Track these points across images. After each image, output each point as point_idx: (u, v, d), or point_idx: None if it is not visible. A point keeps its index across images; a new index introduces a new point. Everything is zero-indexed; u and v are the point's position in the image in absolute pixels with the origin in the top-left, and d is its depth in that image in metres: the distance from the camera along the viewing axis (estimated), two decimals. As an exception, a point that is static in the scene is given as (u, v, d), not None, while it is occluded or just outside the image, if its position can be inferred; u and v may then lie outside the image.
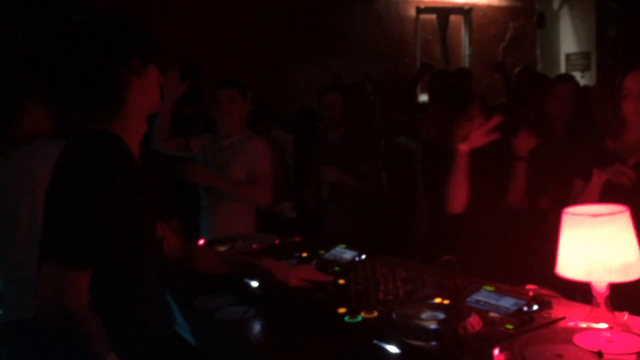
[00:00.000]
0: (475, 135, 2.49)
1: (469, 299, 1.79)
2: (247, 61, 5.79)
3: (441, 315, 1.64)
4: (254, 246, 2.49)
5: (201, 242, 2.61)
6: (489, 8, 7.51)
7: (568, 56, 7.66)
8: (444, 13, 7.26)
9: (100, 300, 1.36)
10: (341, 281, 2.00)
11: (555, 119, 3.28)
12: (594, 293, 1.68)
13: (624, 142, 2.29)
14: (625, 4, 6.82)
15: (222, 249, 2.48)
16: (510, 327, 1.58)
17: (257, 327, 1.88)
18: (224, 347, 1.96)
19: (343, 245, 2.32)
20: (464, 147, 2.49)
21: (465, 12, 7.38)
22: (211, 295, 2.12)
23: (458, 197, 2.54)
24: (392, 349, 1.55)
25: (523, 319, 1.62)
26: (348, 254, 2.24)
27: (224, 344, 1.96)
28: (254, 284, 2.08)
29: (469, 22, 7.41)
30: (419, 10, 7.04)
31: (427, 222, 3.66)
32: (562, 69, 7.62)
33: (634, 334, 1.50)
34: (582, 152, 2.42)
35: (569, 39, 7.69)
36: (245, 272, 2.06)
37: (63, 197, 1.37)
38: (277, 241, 2.56)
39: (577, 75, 6.31)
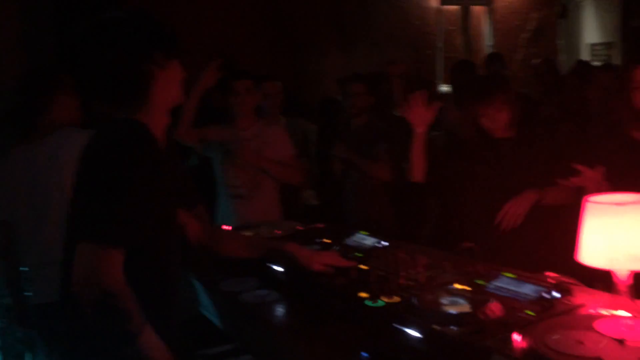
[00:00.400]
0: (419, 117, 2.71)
1: (489, 285, 1.80)
2: (269, 52, 5.82)
3: (462, 301, 1.66)
4: (278, 232, 2.53)
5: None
6: (512, -2, 7.44)
7: (591, 46, 7.55)
8: (466, 4, 7.20)
9: (131, 279, 1.40)
10: (363, 267, 2.03)
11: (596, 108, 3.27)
12: (615, 281, 1.68)
13: None
14: (651, -6, 6.70)
15: (246, 234, 2.52)
16: (530, 313, 1.59)
17: (280, 310, 1.92)
18: (248, 329, 2.01)
19: (364, 232, 2.35)
20: (420, 129, 2.73)
21: (488, 2, 7.31)
22: (236, 278, 2.16)
23: (417, 169, 2.80)
24: (413, 333, 1.57)
25: (544, 306, 1.63)
26: (369, 241, 2.27)
27: (248, 326, 2.01)
28: (278, 268, 2.12)
29: (491, 12, 7.34)
30: (442, 1, 7.00)
31: (435, 211, 3.63)
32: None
33: (656, 322, 1.51)
34: (606, 144, 2.41)
35: (592, 29, 7.58)
36: (270, 256, 2.10)
37: (96, 180, 1.43)
38: (299, 228, 2.60)
39: (601, 66, 6.23)
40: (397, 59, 5.87)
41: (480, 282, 1.83)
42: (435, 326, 1.55)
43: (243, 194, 3.17)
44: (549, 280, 1.80)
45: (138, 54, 1.50)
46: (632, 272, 1.65)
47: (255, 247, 2.08)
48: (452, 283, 1.83)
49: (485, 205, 2.64)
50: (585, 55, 7.55)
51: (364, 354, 1.59)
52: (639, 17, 6.89)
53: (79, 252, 1.37)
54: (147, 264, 1.51)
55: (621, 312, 1.59)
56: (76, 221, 1.46)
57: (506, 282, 1.80)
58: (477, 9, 7.33)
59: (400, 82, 4.40)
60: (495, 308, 1.61)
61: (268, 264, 2.15)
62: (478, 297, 1.67)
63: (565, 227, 2.11)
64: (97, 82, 1.53)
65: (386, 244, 2.23)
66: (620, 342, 1.38)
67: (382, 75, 4.56)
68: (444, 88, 6.71)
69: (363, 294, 1.80)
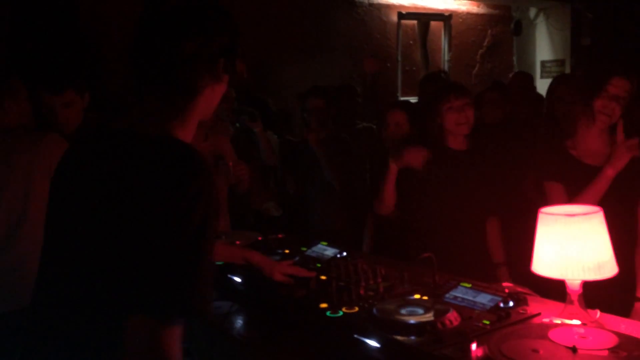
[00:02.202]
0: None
1: (447, 295, 1.83)
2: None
3: (420, 311, 1.68)
4: (237, 242, 2.51)
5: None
6: (468, 15, 7.64)
7: (543, 63, 7.84)
8: (424, 19, 7.35)
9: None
10: (323, 277, 2.03)
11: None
12: (568, 290, 1.73)
13: (584, 147, 2.36)
14: (599, 14, 7.00)
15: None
16: (487, 322, 1.62)
17: (240, 322, 1.90)
18: (208, 342, 1.98)
19: (324, 243, 2.35)
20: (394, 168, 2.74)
21: (445, 18, 7.49)
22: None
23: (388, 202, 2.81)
24: (373, 343, 1.58)
25: (499, 315, 1.66)
26: (329, 251, 2.27)
27: (208, 339, 1.97)
28: (238, 279, 2.10)
29: (448, 28, 7.52)
30: (401, 16, 7.12)
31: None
32: (538, 76, 7.79)
33: (607, 330, 1.56)
34: (547, 158, 2.47)
35: (544, 47, 7.87)
36: (231, 263, 2.06)
37: (155, 233, 1.05)
38: (259, 238, 2.58)
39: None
40: (357, 70, 5.94)
41: (438, 292, 1.86)
42: (394, 336, 1.56)
43: None
44: (505, 290, 1.84)
45: (205, 53, 1.23)
46: (583, 281, 1.71)
47: (222, 255, 2.03)
48: (411, 293, 1.85)
49: (441, 216, 2.68)
50: (537, 72, 7.83)
51: (324, 365, 1.59)
52: (588, 36, 7.19)
53: (133, 326, 1.04)
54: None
55: (574, 321, 1.64)
56: (119, 283, 1.07)
57: (463, 292, 1.83)
58: (435, 25, 7.49)
59: (372, 79, 4.40)
60: (452, 317, 1.63)
61: (228, 275, 2.12)
62: (436, 307, 1.69)
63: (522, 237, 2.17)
64: (151, 72, 1.23)
65: (346, 254, 2.24)
66: (573, 350, 1.41)
67: (346, 87, 4.58)
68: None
69: (323, 305, 1.80)
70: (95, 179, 1.17)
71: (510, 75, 5.62)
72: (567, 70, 7.43)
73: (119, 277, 1.08)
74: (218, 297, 2.06)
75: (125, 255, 1.07)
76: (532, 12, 7.96)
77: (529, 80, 5.06)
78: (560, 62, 7.61)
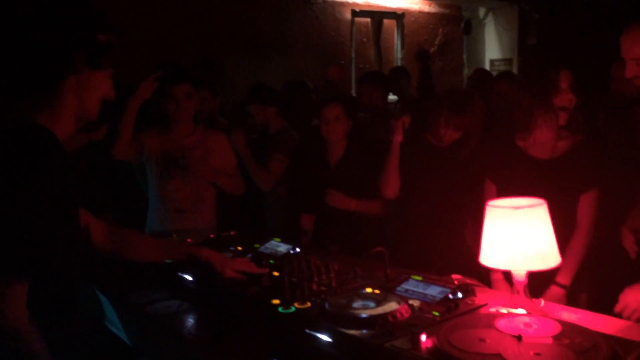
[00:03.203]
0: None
1: (398, 288, 1.85)
2: (185, 58, 5.70)
3: (372, 304, 1.69)
4: (189, 240, 2.47)
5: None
6: (420, 14, 7.76)
7: (492, 61, 8.05)
8: (378, 17, 7.43)
9: (35, 303, 1.24)
10: (275, 273, 2.02)
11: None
12: (513, 281, 1.78)
13: (534, 138, 2.43)
14: (545, 14, 7.24)
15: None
16: (436, 314, 1.66)
17: (191, 320, 1.87)
18: (158, 342, 1.94)
19: (277, 239, 2.34)
20: (398, 138, 2.79)
21: (398, 17, 7.58)
22: (144, 289, 2.08)
23: (391, 183, 2.83)
24: (325, 337, 1.59)
25: (449, 306, 1.70)
26: (282, 247, 2.27)
27: (158, 339, 1.94)
28: (189, 277, 2.06)
29: (401, 26, 7.61)
30: (354, 14, 7.17)
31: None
32: (487, 74, 7.98)
33: (550, 318, 1.61)
34: (493, 152, 2.52)
35: (493, 46, 8.08)
36: (182, 260, 2.01)
37: None
38: (212, 235, 2.55)
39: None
40: (311, 67, 5.94)
41: (390, 285, 1.88)
42: (346, 330, 1.57)
43: (186, 208, 2.97)
44: (455, 282, 1.88)
45: (58, 50, 1.30)
46: (528, 272, 1.76)
47: (166, 250, 1.96)
48: (363, 287, 1.86)
49: (420, 209, 2.72)
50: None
51: (277, 361, 1.58)
52: (535, 36, 7.42)
53: None
54: (50, 289, 1.31)
55: (519, 311, 1.68)
56: None
57: (414, 285, 1.85)
58: (389, 23, 7.58)
59: (331, 85, 4.37)
60: (403, 310, 1.65)
61: (179, 274, 2.09)
62: (388, 300, 1.71)
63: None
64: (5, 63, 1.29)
65: (299, 250, 2.23)
66: (518, 338, 1.45)
67: (297, 83, 4.57)
68: (356, 98, 6.88)
69: (275, 301, 1.80)
70: None
71: (471, 72, 5.77)
72: (515, 68, 7.64)
73: None
74: (168, 296, 2.03)
75: None
76: (482, 11, 8.16)
77: (490, 77, 5.22)
78: (507, 61, 7.84)
